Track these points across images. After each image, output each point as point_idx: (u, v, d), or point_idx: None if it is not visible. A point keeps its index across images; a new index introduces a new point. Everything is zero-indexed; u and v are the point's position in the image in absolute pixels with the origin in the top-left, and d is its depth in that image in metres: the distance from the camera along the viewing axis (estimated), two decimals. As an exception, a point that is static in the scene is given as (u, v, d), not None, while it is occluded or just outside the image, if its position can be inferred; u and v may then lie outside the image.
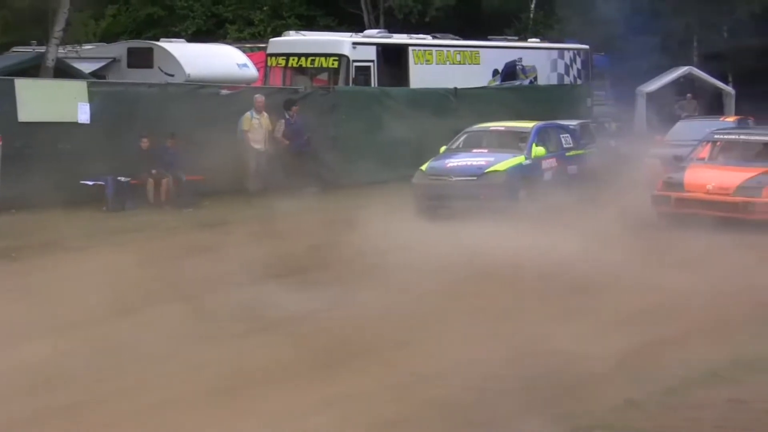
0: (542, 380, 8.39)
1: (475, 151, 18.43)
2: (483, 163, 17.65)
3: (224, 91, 20.54)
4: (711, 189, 16.25)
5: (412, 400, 8.00)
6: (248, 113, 19.41)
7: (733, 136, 18.47)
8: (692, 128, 23.33)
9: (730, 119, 24.80)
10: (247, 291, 11.69)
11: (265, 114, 19.54)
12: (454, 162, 17.87)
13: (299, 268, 13.14)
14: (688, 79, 35.55)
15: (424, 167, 17.87)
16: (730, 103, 34.92)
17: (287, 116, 20.00)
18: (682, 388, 8.18)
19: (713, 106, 34.82)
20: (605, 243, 14.16)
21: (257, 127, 19.41)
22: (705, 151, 18.05)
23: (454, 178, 17.40)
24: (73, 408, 7.69)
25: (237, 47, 27.32)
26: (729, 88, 36.00)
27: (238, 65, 24.34)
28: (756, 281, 12.20)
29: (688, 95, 33.64)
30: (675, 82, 34.91)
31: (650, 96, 34.15)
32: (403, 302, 11.21)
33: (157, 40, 25.90)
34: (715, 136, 18.47)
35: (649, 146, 23.10)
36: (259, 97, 19.64)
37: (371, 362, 8.91)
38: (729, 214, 15.88)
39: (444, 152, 18.55)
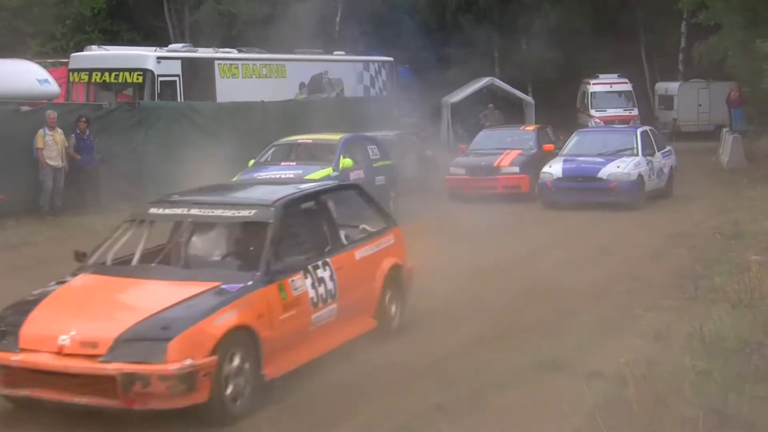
0: (346, 389, 8.46)
1: (283, 164, 18.44)
2: (291, 175, 17.68)
3: (25, 108, 19.97)
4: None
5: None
6: (41, 131, 18.98)
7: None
8: (494, 137, 24.13)
9: (530, 128, 25.60)
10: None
11: (59, 130, 19.13)
12: (262, 176, 17.82)
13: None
14: (490, 89, 36.66)
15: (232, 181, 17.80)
16: (531, 113, 36.18)
17: (78, 131, 19.65)
18: (489, 391, 8.35)
19: (515, 115, 36.01)
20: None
21: (51, 144, 19.02)
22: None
23: (263, 192, 17.36)
24: None
25: (38, 62, 26.51)
26: (529, 98, 37.28)
27: (39, 81, 23.53)
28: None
29: (490, 105, 34.66)
30: (478, 93, 35.94)
31: (454, 107, 35.08)
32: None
33: (-51, 55, 24.84)
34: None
35: (453, 156, 23.68)
36: (51, 113, 19.21)
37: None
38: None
39: (252, 166, 18.52)
